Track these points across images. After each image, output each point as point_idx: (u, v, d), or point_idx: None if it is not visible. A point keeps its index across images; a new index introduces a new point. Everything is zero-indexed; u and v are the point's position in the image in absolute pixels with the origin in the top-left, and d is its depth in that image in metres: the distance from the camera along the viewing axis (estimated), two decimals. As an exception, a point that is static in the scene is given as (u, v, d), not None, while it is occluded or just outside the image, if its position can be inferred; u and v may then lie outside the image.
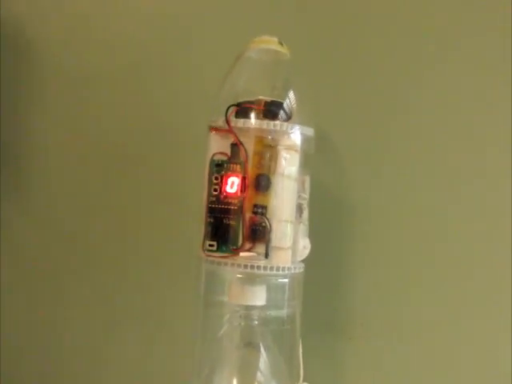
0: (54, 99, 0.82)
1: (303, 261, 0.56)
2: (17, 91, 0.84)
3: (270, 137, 0.53)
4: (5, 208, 0.84)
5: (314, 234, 0.57)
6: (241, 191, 0.53)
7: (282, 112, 0.54)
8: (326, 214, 0.65)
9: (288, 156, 0.53)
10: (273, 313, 0.56)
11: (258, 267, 0.52)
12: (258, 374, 0.57)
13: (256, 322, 0.57)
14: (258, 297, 0.55)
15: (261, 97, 0.54)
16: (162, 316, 0.75)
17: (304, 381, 0.58)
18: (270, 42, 0.56)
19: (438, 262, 0.63)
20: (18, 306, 0.83)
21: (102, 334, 0.79)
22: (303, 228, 0.56)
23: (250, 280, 0.54)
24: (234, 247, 0.53)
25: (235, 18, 0.73)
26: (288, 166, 0.53)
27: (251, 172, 0.53)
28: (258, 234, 0.52)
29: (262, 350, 0.57)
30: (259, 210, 0.52)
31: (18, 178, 0.84)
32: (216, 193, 0.54)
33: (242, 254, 0.53)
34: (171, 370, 0.73)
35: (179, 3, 0.77)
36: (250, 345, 0.58)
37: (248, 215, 0.53)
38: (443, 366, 0.62)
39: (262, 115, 0.53)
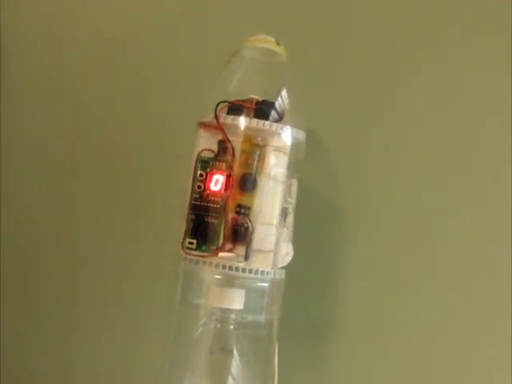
0: (34, 100, 0.82)
1: (286, 267, 0.55)
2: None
3: (259, 137, 0.52)
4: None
5: (298, 240, 0.56)
6: (225, 189, 0.51)
7: (273, 112, 0.52)
8: (312, 219, 0.63)
9: (276, 157, 0.52)
10: (250, 317, 0.55)
11: (237, 269, 0.51)
12: (231, 380, 0.56)
13: (232, 327, 0.55)
14: (236, 300, 0.53)
15: (253, 96, 0.53)
16: (136, 315, 0.74)
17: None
18: (267, 42, 0.55)
19: (426, 269, 0.61)
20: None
21: (71, 334, 0.78)
22: (287, 233, 0.54)
23: (229, 282, 0.53)
24: (214, 247, 0.51)
25: (231, 16, 0.72)
26: (275, 167, 0.52)
27: (237, 171, 0.51)
28: (240, 234, 0.51)
29: (237, 355, 0.56)
30: (242, 211, 0.51)
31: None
32: (200, 190, 0.52)
33: (221, 254, 0.51)
34: (142, 371, 0.72)
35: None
36: (224, 349, 0.56)
37: (231, 215, 0.51)
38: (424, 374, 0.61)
39: (252, 114, 0.52)
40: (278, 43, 0.55)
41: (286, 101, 0.54)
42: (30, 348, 0.80)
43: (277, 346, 0.56)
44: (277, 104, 0.53)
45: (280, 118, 0.53)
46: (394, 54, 0.64)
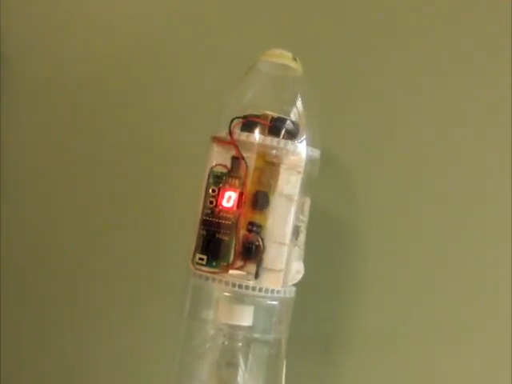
0: (35, 106, 0.82)
1: (296, 285, 0.54)
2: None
3: (273, 154, 0.51)
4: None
5: (310, 258, 0.56)
6: (237, 207, 0.51)
7: (288, 130, 0.52)
8: (324, 237, 0.63)
9: (290, 176, 0.51)
10: (258, 335, 0.54)
11: (247, 287, 0.50)
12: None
13: (240, 344, 0.55)
14: (245, 317, 0.53)
15: (268, 112, 0.52)
16: (144, 329, 0.73)
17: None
18: (283, 57, 0.54)
19: (440, 284, 0.61)
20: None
21: (71, 342, 0.78)
22: (298, 251, 0.53)
23: (238, 299, 0.52)
24: (225, 263, 0.51)
25: (246, 29, 0.72)
26: (289, 186, 0.51)
27: (250, 188, 0.51)
28: (251, 252, 0.50)
29: (244, 371, 0.55)
30: (254, 229, 0.51)
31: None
32: (211, 205, 0.52)
33: (231, 271, 0.51)
34: (150, 381, 0.71)
35: (179, 10, 0.76)
36: (231, 365, 0.56)
37: (242, 232, 0.51)
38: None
39: (267, 131, 0.52)
40: (294, 59, 0.54)
41: (302, 118, 0.53)
42: (30, 351, 0.80)
43: (284, 363, 0.56)
44: (292, 121, 0.52)
45: (295, 136, 0.52)
46: (409, 71, 0.64)
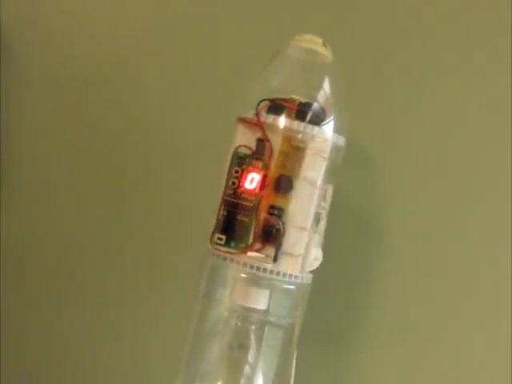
0: (43, 101, 0.81)
1: (313, 272, 0.54)
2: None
3: (299, 138, 0.51)
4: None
5: (328, 247, 0.56)
6: (260, 189, 0.51)
7: (315, 115, 0.51)
8: (343, 226, 0.63)
9: (315, 161, 0.51)
10: (272, 319, 0.54)
11: (265, 270, 0.50)
12: (246, 378, 0.55)
13: (253, 326, 0.55)
14: (260, 300, 0.53)
15: (295, 96, 0.52)
16: (158, 305, 0.73)
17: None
18: (313, 42, 0.54)
19: (459, 277, 0.61)
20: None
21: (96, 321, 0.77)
22: (318, 238, 0.53)
23: (255, 282, 0.52)
24: (243, 245, 0.51)
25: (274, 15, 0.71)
26: (313, 171, 0.51)
27: (273, 171, 0.51)
28: (271, 236, 0.50)
29: (254, 354, 0.55)
30: (275, 212, 0.50)
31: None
32: (234, 186, 0.52)
33: (250, 253, 0.51)
34: (161, 360, 0.72)
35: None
36: (242, 347, 0.56)
37: (263, 215, 0.50)
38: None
39: (294, 115, 0.51)
40: (324, 45, 0.54)
41: (329, 104, 0.53)
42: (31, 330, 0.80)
43: (295, 351, 0.56)
44: (319, 107, 0.52)
45: (321, 121, 0.52)
46: (439, 61, 0.64)
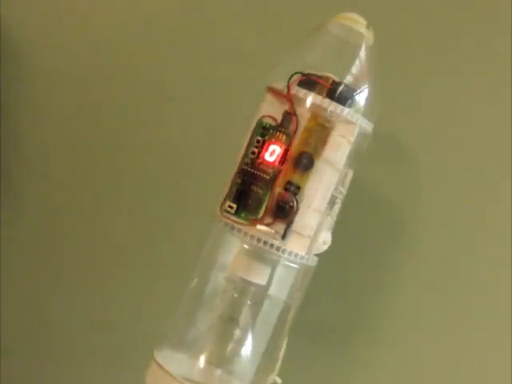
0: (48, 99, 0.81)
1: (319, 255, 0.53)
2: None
3: (327, 117, 0.49)
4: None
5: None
6: (279, 162, 0.49)
7: (348, 97, 0.50)
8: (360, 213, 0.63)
9: (340, 144, 0.50)
10: (270, 296, 0.53)
11: (271, 245, 0.49)
12: (233, 351, 0.55)
13: (249, 301, 0.54)
14: (261, 275, 0.52)
15: (330, 74, 0.51)
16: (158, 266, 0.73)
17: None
18: (357, 22, 0.52)
19: (476, 275, 0.61)
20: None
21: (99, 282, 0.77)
22: (329, 221, 0.52)
23: (259, 256, 0.51)
24: (253, 217, 0.50)
25: None
26: (337, 153, 0.50)
27: (296, 147, 0.49)
28: (283, 212, 0.49)
29: (244, 329, 0.54)
30: (292, 188, 0.49)
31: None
32: (253, 156, 0.50)
33: (259, 226, 0.49)
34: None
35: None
36: (233, 320, 0.55)
37: (278, 189, 0.49)
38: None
39: (325, 93, 0.50)
40: (368, 27, 0.52)
41: (364, 88, 0.51)
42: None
43: (287, 334, 0.55)
44: (353, 89, 0.50)
45: (352, 105, 0.50)
46: (480, 57, 0.63)
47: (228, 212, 0.50)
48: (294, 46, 0.53)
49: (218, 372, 0.54)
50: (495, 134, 0.62)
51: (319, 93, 0.50)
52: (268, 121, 0.51)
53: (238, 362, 0.55)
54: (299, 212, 0.49)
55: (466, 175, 0.62)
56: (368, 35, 0.53)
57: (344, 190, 0.52)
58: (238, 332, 0.54)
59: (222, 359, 0.55)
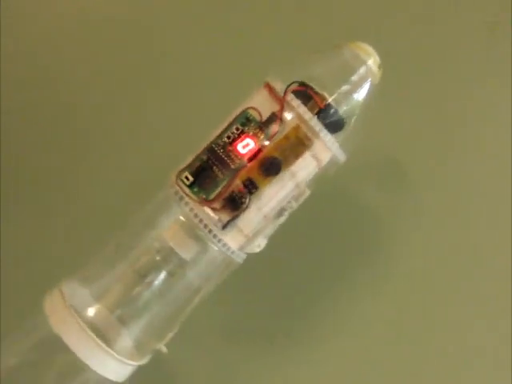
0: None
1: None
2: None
3: (308, 135, 0.50)
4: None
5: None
6: (248, 158, 0.50)
7: (334, 124, 0.51)
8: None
9: (310, 164, 0.51)
10: (187, 274, 0.54)
11: (210, 231, 0.50)
12: (132, 305, 0.56)
13: (167, 269, 0.54)
14: (188, 251, 0.53)
15: (327, 95, 0.52)
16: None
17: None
18: (372, 58, 0.53)
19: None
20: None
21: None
22: (270, 229, 0.53)
23: (193, 233, 0.52)
24: (204, 196, 0.50)
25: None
26: (303, 172, 0.51)
27: (269, 149, 0.50)
28: (233, 204, 0.50)
29: (152, 291, 0.55)
30: (250, 187, 0.50)
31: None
32: (227, 140, 0.51)
33: (206, 208, 0.50)
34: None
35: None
36: (145, 279, 0.55)
37: (237, 182, 0.50)
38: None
39: (316, 111, 0.51)
40: (380, 67, 0.53)
41: (356, 122, 0.52)
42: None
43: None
44: (343, 119, 0.51)
45: (335, 131, 0.51)
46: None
47: (183, 182, 0.51)
48: (307, 53, 0.54)
49: (112, 318, 0.55)
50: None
51: (310, 109, 0.50)
52: (254, 114, 0.51)
53: (134, 318, 0.55)
54: (248, 210, 0.50)
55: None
56: (377, 74, 0.54)
57: (295, 206, 0.53)
58: (144, 291, 0.55)
59: (120, 308, 0.55)
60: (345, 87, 0.53)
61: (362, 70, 0.54)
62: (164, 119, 0.73)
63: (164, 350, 0.56)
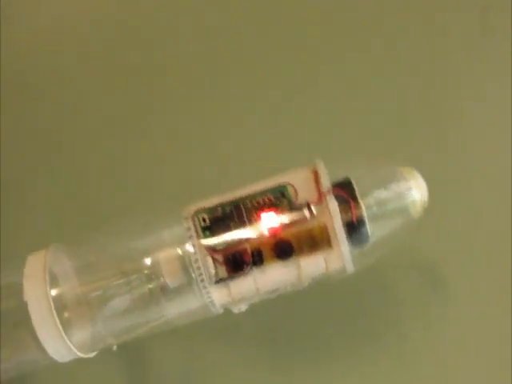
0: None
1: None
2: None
3: (330, 238, 0.50)
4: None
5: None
6: (263, 232, 0.51)
7: (359, 236, 0.51)
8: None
9: (318, 264, 0.51)
10: (165, 297, 0.54)
11: (202, 280, 0.51)
12: (101, 300, 0.56)
13: (148, 285, 0.55)
14: (174, 280, 0.53)
15: (363, 208, 0.51)
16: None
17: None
18: (422, 195, 0.54)
19: None
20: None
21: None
22: (256, 300, 0.54)
23: (185, 269, 0.53)
24: (211, 245, 0.51)
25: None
26: (310, 268, 0.51)
27: (288, 233, 0.51)
28: (234, 265, 0.51)
29: (125, 298, 0.56)
30: (256, 258, 0.51)
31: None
32: (254, 205, 0.51)
33: (208, 257, 0.51)
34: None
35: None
36: (126, 286, 0.56)
37: (247, 246, 0.51)
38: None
39: (347, 220, 0.51)
40: (424, 208, 0.54)
41: (378, 247, 0.53)
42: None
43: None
44: (369, 236, 0.51)
45: (356, 245, 0.52)
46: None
47: (198, 221, 0.52)
48: (366, 157, 0.54)
49: (83, 304, 0.56)
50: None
51: (343, 217, 0.50)
52: (291, 192, 0.51)
53: (104, 312, 0.56)
54: (245, 278, 0.51)
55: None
56: (419, 211, 0.54)
57: (289, 291, 0.54)
58: (122, 294, 0.56)
59: (94, 297, 0.56)
60: (384, 207, 0.53)
61: (408, 203, 0.54)
62: (164, 119, 0.74)
63: (114, 348, 0.57)
